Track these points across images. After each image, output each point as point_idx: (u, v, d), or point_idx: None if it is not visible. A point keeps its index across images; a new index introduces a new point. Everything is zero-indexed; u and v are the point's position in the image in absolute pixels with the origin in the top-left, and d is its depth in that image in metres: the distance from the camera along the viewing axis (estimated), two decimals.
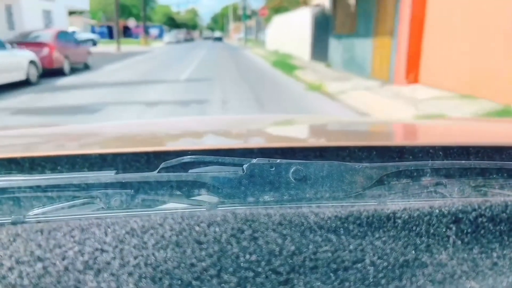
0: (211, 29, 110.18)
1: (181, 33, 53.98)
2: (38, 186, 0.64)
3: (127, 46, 30.90)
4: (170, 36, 45.61)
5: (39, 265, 0.45)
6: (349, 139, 1.02)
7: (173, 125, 1.35)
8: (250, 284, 0.45)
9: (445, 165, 0.72)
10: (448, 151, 0.78)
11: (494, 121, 1.75)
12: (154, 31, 56.14)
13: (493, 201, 0.56)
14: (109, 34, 47.79)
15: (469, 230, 0.53)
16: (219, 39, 61.17)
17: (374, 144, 0.82)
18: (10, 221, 0.57)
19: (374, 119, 2.64)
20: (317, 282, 0.46)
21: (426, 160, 0.76)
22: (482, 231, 0.53)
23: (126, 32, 53.01)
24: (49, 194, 0.64)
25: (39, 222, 0.54)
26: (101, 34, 45.81)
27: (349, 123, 1.42)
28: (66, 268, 0.45)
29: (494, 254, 0.51)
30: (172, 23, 79.92)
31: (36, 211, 0.63)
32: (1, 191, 0.64)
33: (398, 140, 1.07)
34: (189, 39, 58.56)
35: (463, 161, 0.74)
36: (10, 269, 0.44)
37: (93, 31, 44.24)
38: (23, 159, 0.71)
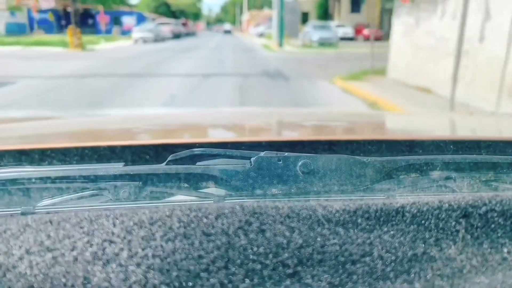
0: (221, 20, 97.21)
1: (168, 25, 33.16)
2: (48, 178, 0.64)
3: (40, 48, 17.88)
4: (141, 30, 26.65)
5: (49, 255, 0.45)
6: (357, 133, 1.01)
7: (181, 118, 1.34)
8: (258, 276, 0.45)
9: (455, 159, 0.70)
10: (458, 145, 0.77)
11: (506, 116, 1.83)
12: (128, 20, 36.80)
13: (503, 195, 0.55)
14: (58, 23, 32.08)
15: (479, 224, 0.52)
16: (228, 32, 56.23)
17: (383, 138, 0.81)
18: (20, 211, 0.57)
19: (384, 112, 2.66)
20: (324, 275, 0.46)
21: (436, 154, 0.75)
22: (492, 226, 0.52)
23: (85, 20, 34.00)
24: (59, 185, 0.64)
25: (48, 213, 0.54)
26: (43, 24, 30.56)
27: (358, 117, 1.39)
28: (75, 259, 0.45)
29: (504, 249, 0.50)
30: (166, 10, 60.21)
31: (46, 202, 0.63)
32: (11, 182, 0.64)
33: (408, 133, 1.04)
34: (183, 34, 37.97)
35: (473, 155, 0.73)
36: (20, 259, 0.44)
37: (30, 18, 30.19)
38: (33, 150, 0.71)
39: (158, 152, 0.73)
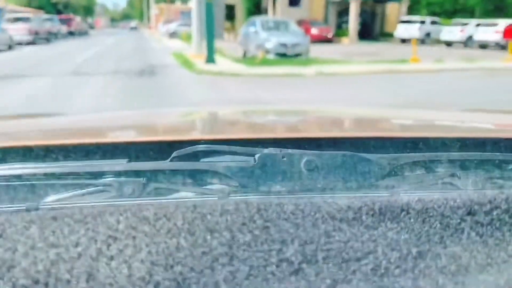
0: (128, 17, 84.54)
1: (24, 23, 19.17)
2: (52, 174, 0.65)
3: None
4: None
5: (53, 251, 0.45)
6: (362, 130, 1.02)
7: (186, 115, 1.35)
8: (262, 273, 0.45)
9: (460, 157, 0.71)
10: (463, 143, 0.76)
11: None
12: None
13: (508, 193, 0.55)
14: None
15: (484, 222, 0.52)
16: (134, 28, 49.06)
17: (387, 135, 0.81)
18: (24, 208, 0.58)
19: (388, 109, 2.44)
20: (329, 272, 0.45)
21: (440, 151, 0.73)
22: (498, 224, 0.52)
23: None
24: (63, 182, 0.65)
25: (53, 209, 0.54)
26: None
27: (362, 114, 1.37)
28: (80, 255, 0.45)
29: (509, 247, 0.50)
30: (46, 3, 44.09)
31: (50, 198, 0.63)
32: (16, 178, 0.64)
33: (412, 131, 1.03)
34: (61, 35, 26.24)
35: (478, 153, 0.73)
36: (25, 254, 0.45)
37: None
38: (38, 147, 0.71)
39: (162, 148, 0.72)
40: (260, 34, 12.62)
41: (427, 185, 0.68)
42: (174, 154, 0.67)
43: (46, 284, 0.42)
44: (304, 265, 0.46)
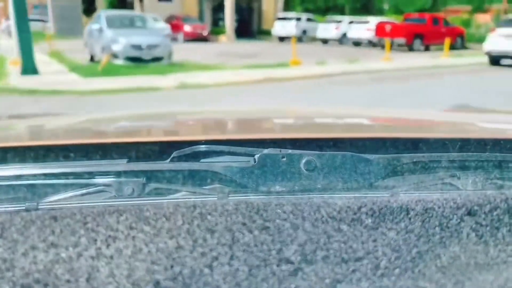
0: None
1: None
2: (52, 174, 0.64)
3: None
4: None
5: (53, 251, 0.45)
6: (361, 131, 1.01)
7: (185, 115, 1.35)
8: (261, 273, 0.45)
9: (459, 157, 0.71)
10: (463, 143, 0.75)
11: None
12: None
13: (508, 193, 0.56)
14: None
15: (484, 222, 0.52)
16: None
17: (387, 135, 0.81)
18: (24, 208, 0.57)
19: (388, 110, 2.33)
20: (328, 272, 0.45)
21: (440, 152, 0.73)
22: (497, 224, 0.52)
23: None
24: (62, 182, 0.64)
25: (52, 209, 0.54)
26: None
27: (362, 114, 1.35)
28: (79, 255, 0.45)
29: (509, 247, 0.50)
30: None
31: (50, 198, 0.62)
32: (16, 178, 0.64)
33: (412, 131, 1.03)
34: None
35: (478, 153, 0.72)
36: (24, 254, 0.45)
37: None
38: (37, 147, 0.71)
39: (162, 149, 0.71)
40: (105, 32, 9.59)
41: (427, 186, 0.68)
42: (173, 154, 0.66)
43: (46, 284, 0.42)
44: (303, 265, 0.46)
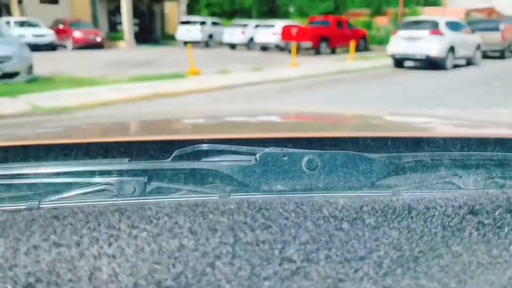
0: None
1: None
2: (53, 173, 0.63)
3: None
4: None
5: (54, 250, 0.45)
6: (363, 130, 1.00)
7: (187, 114, 1.35)
8: (264, 272, 0.45)
9: (461, 156, 0.70)
10: (464, 142, 0.75)
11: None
12: None
13: (510, 192, 0.56)
14: None
15: (486, 221, 0.52)
16: None
17: (389, 134, 0.80)
18: (25, 207, 0.56)
19: (390, 109, 2.01)
20: (330, 271, 0.45)
21: (442, 151, 0.73)
22: (499, 223, 0.52)
23: None
24: (64, 181, 0.63)
25: (54, 208, 0.53)
26: None
27: (363, 114, 1.34)
28: (81, 254, 0.45)
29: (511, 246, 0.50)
30: None
31: (51, 197, 0.61)
32: (17, 177, 0.63)
33: (414, 130, 1.02)
34: None
35: (480, 152, 0.72)
36: (26, 254, 0.45)
37: None
38: (39, 146, 0.70)
39: (163, 148, 0.71)
40: None
41: (428, 185, 0.67)
42: (175, 153, 0.66)
43: (48, 283, 0.42)
44: (305, 264, 0.46)
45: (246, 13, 29.19)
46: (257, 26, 20.65)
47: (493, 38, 15.44)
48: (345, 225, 0.50)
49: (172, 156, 0.65)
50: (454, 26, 12.09)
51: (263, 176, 0.62)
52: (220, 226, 0.48)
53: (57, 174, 0.63)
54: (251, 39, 20.58)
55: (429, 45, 11.16)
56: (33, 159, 0.68)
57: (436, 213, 0.51)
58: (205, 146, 0.66)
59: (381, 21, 24.63)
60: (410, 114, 1.31)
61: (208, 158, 0.67)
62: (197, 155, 0.66)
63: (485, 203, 0.53)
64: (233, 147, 0.65)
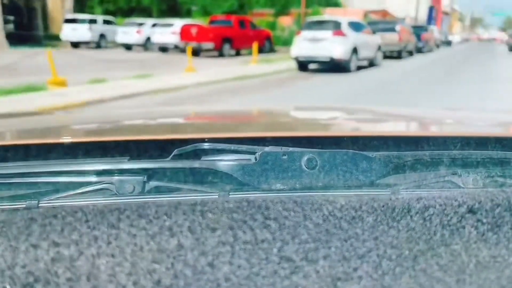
0: None
1: None
2: (53, 172, 0.63)
3: None
4: None
5: (54, 249, 0.45)
6: (363, 128, 1.01)
7: (186, 113, 1.35)
8: (263, 271, 0.45)
9: (460, 155, 0.70)
10: (464, 141, 0.75)
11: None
12: None
13: (509, 191, 0.56)
14: None
15: (485, 220, 0.52)
16: None
17: (388, 133, 0.80)
18: (25, 206, 0.56)
19: (390, 108, 2.15)
20: (329, 270, 0.45)
21: (441, 150, 0.73)
22: (499, 222, 0.52)
23: None
24: (63, 180, 0.63)
25: (53, 207, 0.53)
26: None
27: (363, 112, 1.35)
28: (80, 253, 0.45)
29: (511, 245, 0.50)
30: None
31: (51, 196, 0.61)
32: (16, 176, 0.63)
33: (413, 129, 1.02)
34: None
35: (479, 151, 0.72)
36: (25, 253, 0.44)
37: None
38: (38, 145, 0.70)
39: (163, 147, 0.71)
40: None
41: (428, 183, 0.67)
42: (175, 152, 0.66)
43: (47, 282, 0.42)
44: (304, 263, 0.46)
45: (146, 12, 26.95)
46: (154, 25, 18.80)
47: (391, 39, 15.61)
48: (344, 224, 0.50)
49: (171, 155, 0.65)
50: (356, 26, 11.65)
51: (263, 175, 0.62)
52: (219, 225, 0.48)
53: (57, 173, 0.62)
54: (148, 39, 18.68)
55: (332, 46, 10.51)
56: (32, 158, 0.68)
57: (435, 212, 0.51)
58: (204, 145, 0.66)
59: (285, 21, 24.27)
60: (410, 113, 1.28)
61: (208, 157, 0.67)
62: (197, 154, 0.66)
63: (484, 202, 0.53)
64: (233, 146, 0.65)
